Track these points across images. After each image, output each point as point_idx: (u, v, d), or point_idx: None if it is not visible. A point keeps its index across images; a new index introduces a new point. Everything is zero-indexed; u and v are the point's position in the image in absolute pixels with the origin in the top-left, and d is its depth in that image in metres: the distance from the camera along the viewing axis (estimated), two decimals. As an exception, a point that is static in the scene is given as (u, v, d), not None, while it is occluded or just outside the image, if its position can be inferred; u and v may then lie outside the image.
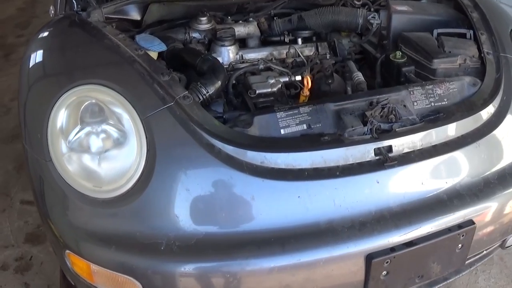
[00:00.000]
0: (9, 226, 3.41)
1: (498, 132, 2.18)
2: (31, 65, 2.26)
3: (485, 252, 2.37)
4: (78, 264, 2.01)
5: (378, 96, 2.13)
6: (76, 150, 1.95)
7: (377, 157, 1.99)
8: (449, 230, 2.00)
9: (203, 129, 1.94)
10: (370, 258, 1.90)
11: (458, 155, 2.09)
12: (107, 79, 2.03)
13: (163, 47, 2.29)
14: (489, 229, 2.14)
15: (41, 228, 3.32)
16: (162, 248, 1.86)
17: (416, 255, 1.98)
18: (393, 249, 1.93)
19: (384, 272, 1.96)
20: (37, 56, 2.28)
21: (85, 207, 1.95)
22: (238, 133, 2.00)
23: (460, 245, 2.06)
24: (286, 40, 2.78)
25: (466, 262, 2.26)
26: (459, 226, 2.01)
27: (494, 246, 2.36)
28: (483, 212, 2.07)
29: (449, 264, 2.13)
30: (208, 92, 2.15)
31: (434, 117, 2.12)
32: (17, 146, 4.11)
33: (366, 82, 2.43)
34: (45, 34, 2.39)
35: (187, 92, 2.03)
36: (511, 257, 3.11)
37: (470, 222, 2.03)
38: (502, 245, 2.37)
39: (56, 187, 1.97)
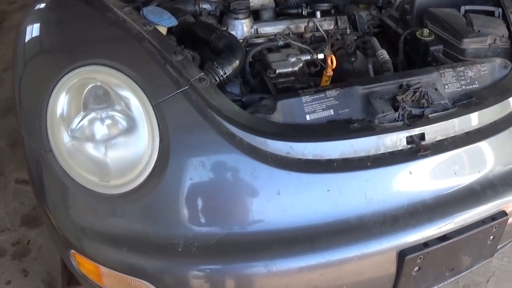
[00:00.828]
0: (4, 208, 3.24)
1: (531, 117, 2.06)
2: (27, 39, 2.04)
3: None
4: (85, 265, 1.87)
5: (408, 79, 1.98)
6: (80, 139, 1.77)
7: (409, 146, 1.86)
8: (483, 222, 1.90)
9: (223, 116, 1.77)
10: (403, 254, 1.79)
11: (491, 142, 1.97)
12: (113, 59, 1.82)
13: (173, 22, 2.07)
14: (522, 220, 2.05)
15: (38, 209, 3.10)
16: (179, 249, 1.72)
17: (449, 249, 1.87)
18: (426, 244, 1.82)
19: (416, 268, 1.85)
20: (33, 30, 2.05)
21: (91, 203, 1.79)
22: (260, 120, 1.83)
23: (492, 237, 1.97)
24: (304, 12, 2.59)
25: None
26: (493, 217, 1.92)
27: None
28: (517, 202, 1.98)
29: (479, 256, 2.05)
30: (225, 73, 1.96)
31: (467, 102, 1.98)
32: (10, 121, 3.87)
33: (387, 57, 2.28)
34: (42, 5, 2.15)
35: (202, 73, 1.84)
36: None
37: (503, 213, 1.93)
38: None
39: (57, 181, 1.80)
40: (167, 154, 1.73)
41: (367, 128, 1.85)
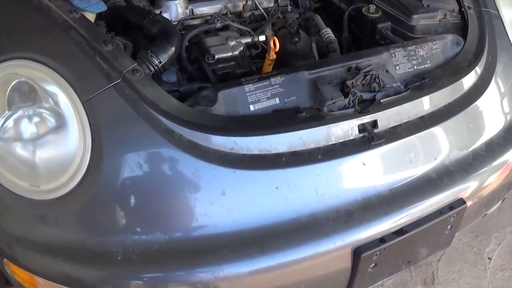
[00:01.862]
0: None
1: (485, 97, 1.98)
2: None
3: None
4: (19, 275, 1.74)
5: (357, 61, 1.85)
6: (6, 140, 1.62)
7: (362, 135, 1.74)
8: (440, 212, 1.82)
9: (159, 110, 1.61)
10: (358, 252, 1.70)
11: (446, 126, 1.88)
12: (37, 52, 1.66)
13: (102, 7, 1.86)
14: (478, 204, 1.99)
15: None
16: (118, 257, 1.58)
17: (406, 242, 1.78)
18: (382, 239, 1.73)
19: (373, 265, 1.76)
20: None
21: (22, 210, 1.66)
22: (201, 114, 1.68)
23: (449, 226, 1.90)
24: None
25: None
26: (450, 207, 1.83)
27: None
28: (473, 188, 1.89)
29: (436, 246, 1.99)
30: (160, 62, 1.79)
31: (420, 84, 1.87)
32: None
33: (330, 35, 2.15)
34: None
35: (136, 64, 1.67)
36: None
37: (461, 202, 1.86)
38: (484, 215, 2.21)
39: None
40: (100, 155, 1.59)
41: (316, 117, 1.72)
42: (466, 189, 1.86)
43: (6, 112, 1.62)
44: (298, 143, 1.68)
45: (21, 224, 1.66)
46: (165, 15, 2.19)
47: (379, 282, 2.01)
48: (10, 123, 1.62)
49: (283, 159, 1.66)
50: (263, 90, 1.75)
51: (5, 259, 1.73)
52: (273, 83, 1.76)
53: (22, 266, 1.69)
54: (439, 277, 2.65)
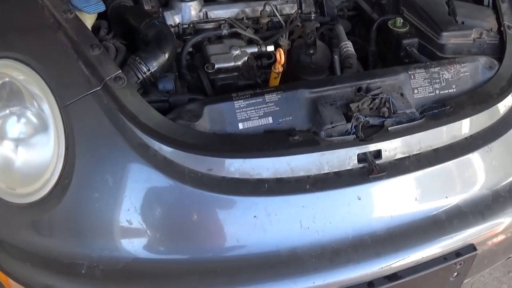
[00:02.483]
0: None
1: (514, 131, 1.76)
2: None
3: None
4: None
5: (368, 81, 1.67)
6: None
7: (361, 165, 1.57)
8: (444, 258, 1.62)
9: (136, 123, 1.51)
10: (341, 295, 1.53)
11: (464, 161, 1.68)
12: (23, 53, 1.63)
13: (101, 7, 1.79)
14: (493, 251, 1.78)
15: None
16: (83, 271, 1.52)
17: (400, 289, 1.60)
18: (371, 283, 1.56)
19: (359, 310, 1.59)
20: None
21: None
22: (181, 129, 1.55)
23: (455, 274, 1.70)
24: None
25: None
26: (457, 253, 1.63)
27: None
28: (488, 233, 1.69)
29: (440, 293, 1.77)
30: (149, 70, 1.68)
31: (438, 111, 1.66)
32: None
33: (360, 47, 1.97)
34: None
35: (120, 71, 1.58)
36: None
37: (471, 248, 1.66)
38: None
39: None
40: (72, 164, 1.52)
41: (310, 142, 1.56)
42: (478, 234, 1.66)
43: None
44: (285, 169, 1.54)
45: None
46: (177, 17, 2.09)
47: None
48: None
49: (266, 185, 1.52)
50: (256, 107, 1.60)
51: None
52: (267, 101, 1.61)
53: None
54: (464, 312, 2.44)
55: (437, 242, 1.61)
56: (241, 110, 1.60)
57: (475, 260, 1.68)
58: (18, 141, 1.59)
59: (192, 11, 2.11)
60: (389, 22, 2.00)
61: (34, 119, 1.59)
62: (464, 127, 1.70)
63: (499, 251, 1.80)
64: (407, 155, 1.62)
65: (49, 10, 1.71)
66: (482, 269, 1.89)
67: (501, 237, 1.73)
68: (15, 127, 1.60)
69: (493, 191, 1.72)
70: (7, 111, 1.61)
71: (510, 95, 1.77)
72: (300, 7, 2.22)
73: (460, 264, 1.65)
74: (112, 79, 1.56)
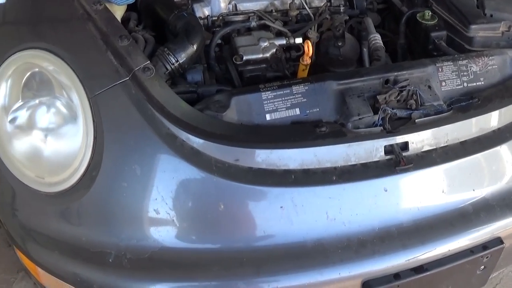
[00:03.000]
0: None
1: (544, 124, 1.73)
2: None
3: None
4: (25, 262, 1.75)
5: (396, 73, 1.66)
6: (19, 128, 1.64)
7: (388, 157, 1.57)
8: (471, 251, 1.61)
9: (164, 113, 1.52)
10: (368, 286, 1.54)
11: (492, 154, 1.67)
12: (53, 43, 1.65)
13: (130, -1, 1.83)
14: (521, 244, 1.75)
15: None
16: (110, 259, 1.54)
17: (426, 282, 1.60)
18: (397, 275, 1.56)
19: (384, 303, 1.59)
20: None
21: (28, 200, 1.68)
22: (209, 119, 1.56)
23: (482, 267, 1.69)
24: None
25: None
26: (484, 246, 1.62)
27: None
28: (516, 226, 1.68)
29: (466, 286, 1.77)
30: (178, 61, 1.69)
31: (466, 104, 1.65)
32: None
33: (390, 40, 1.96)
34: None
35: (148, 62, 1.59)
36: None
37: (498, 241, 1.65)
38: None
39: None
40: (100, 153, 1.54)
41: (337, 133, 1.55)
42: (506, 227, 1.64)
43: (20, 100, 1.63)
44: (312, 161, 1.54)
45: (27, 214, 1.66)
46: (206, 9, 2.10)
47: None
48: (23, 111, 1.62)
49: (293, 176, 1.53)
50: (283, 98, 1.61)
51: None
52: (294, 92, 1.62)
53: (25, 254, 1.69)
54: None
55: (464, 234, 1.60)
56: (268, 101, 1.61)
57: (502, 253, 1.66)
58: (47, 131, 1.61)
59: (221, 3, 2.13)
60: (417, 15, 1.98)
61: (63, 109, 1.60)
62: (492, 120, 1.69)
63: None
64: (434, 147, 1.62)
65: (78, 1, 1.73)
66: (510, 263, 1.87)
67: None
68: (44, 117, 1.62)
69: (521, 184, 1.70)
70: (37, 101, 1.62)
71: (538, 89, 1.75)
72: (329, 0, 2.22)
73: (487, 258, 1.63)
74: (140, 70, 1.57)
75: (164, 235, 1.53)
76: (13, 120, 1.63)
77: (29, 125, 1.62)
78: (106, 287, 1.56)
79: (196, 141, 1.51)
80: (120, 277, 1.54)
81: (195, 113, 1.57)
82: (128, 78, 1.56)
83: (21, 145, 1.63)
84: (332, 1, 2.23)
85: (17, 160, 1.64)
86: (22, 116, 1.63)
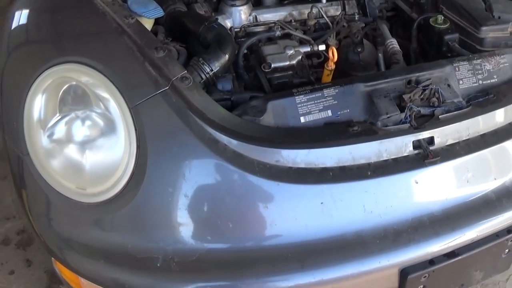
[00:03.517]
0: (10, 195, 3.08)
1: (555, 117, 1.86)
2: (13, 26, 1.92)
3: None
4: (66, 274, 1.80)
5: (418, 74, 1.77)
6: (57, 141, 1.66)
7: (416, 152, 1.67)
8: (496, 236, 1.73)
9: (205, 119, 1.59)
10: (405, 273, 1.64)
11: (509, 145, 1.78)
12: (89, 57, 1.68)
13: (159, 13, 1.90)
14: (542, 230, 1.86)
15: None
16: (158, 264, 1.59)
17: (457, 266, 1.71)
18: (432, 261, 1.66)
19: (421, 287, 1.68)
20: (21, 18, 1.92)
21: (69, 212, 1.68)
22: (248, 124, 1.65)
23: (507, 250, 1.80)
24: None
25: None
26: (509, 230, 1.74)
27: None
28: (536, 211, 1.79)
29: (493, 270, 1.88)
30: (212, 70, 1.77)
31: (483, 100, 1.78)
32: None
33: (400, 45, 2.07)
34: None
35: (186, 72, 1.67)
36: None
37: (521, 225, 1.75)
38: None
39: (36, 186, 1.71)
40: (144, 161, 1.59)
41: (369, 131, 1.66)
42: (527, 211, 1.76)
43: (58, 114, 1.66)
44: (347, 158, 1.64)
45: (67, 225, 1.69)
46: (228, 21, 2.19)
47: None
48: (61, 125, 1.66)
49: (330, 173, 1.62)
50: (315, 101, 1.70)
51: (53, 258, 1.77)
52: (326, 95, 1.71)
53: (67, 266, 1.71)
54: (506, 298, 2.53)
55: (489, 220, 1.71)
56: (302, 104, 1.69)
57: (525, 236, 1.78)
58: (85, 143, 1.64)
59: (242, 15, 2.23)
60: (430, 19, 2.09)
61: (100, 121, 1.64)
62: (508, 113, 1.80)
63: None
64: (457, 141, 1.73)
65: (110, 16, 1.79)
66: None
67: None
68: (82, 129, 1.65)
69: (538, 171, 1.82)
70: (73, 115, 1.65)
71: (548, 83, 1.87)
72: (344, 9, 2.35)
73: (511, 241, 1.75)
74: (178, 79, 1.64)
75: (211, 236, 1.60)
76: (50, 134, 1.66)
77: (67, 138, 1.65)
78: None
79: (237, 145, 1.59)
80: (169, 280, 1.59)
81: (234, 118, 1.65)
82: (167, 87, 1.62)
83: (59, 158, 1.66)
84: (347, 10, 2.35)
85: (56, 173, 1.66)
86: (60, 129, 1.65)
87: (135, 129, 1.60)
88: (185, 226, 1.60)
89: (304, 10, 2.33)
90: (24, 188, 1.76)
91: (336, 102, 1.71)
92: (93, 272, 1.66)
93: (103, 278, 1.65)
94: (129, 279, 1.61)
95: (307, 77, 1.97)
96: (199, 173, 1.59)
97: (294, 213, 1.61)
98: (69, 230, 1.69)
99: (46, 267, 2.70)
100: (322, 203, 1.60)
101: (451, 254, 1.67)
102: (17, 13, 1.94)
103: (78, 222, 1.68)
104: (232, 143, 1.59)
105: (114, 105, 1.62)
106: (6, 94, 1.82)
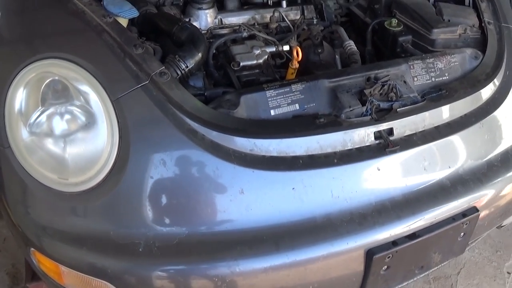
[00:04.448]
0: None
1: (501, 110, 2.03)
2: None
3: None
4: (45, 264, 1.82)
5: (376, 71, 1.92)
6: (38, 135, 1.72)
7: (377, 142, 1.81)
8: (453, 219, 1.86)
9: (184, 111, 1.70)
10: (371, 253, 1.74)
11: (461, 136, 1.93)
12: (71, 53, 1.76)
13: (134, 13, 1.99)
14: (492, 214, 2.02)
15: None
16: (140, 249, 1.66)
17: (418, 247, 1.83)
18: (395, 242, 1.78)
19: (385, 267, 1.80)
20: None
21: (50, 201, 1.74)
22: (223, 116, 1.76)
23: (462, 234, 1.94)
24: (270, 2, 2.53)
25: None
26: (463, 214, 1.88)
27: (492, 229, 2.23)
28: (487, 197, 1.94)
29: (449, 253, 2.02)
30: (187, 67, 1.88)
31: (436, 95, 1.93)
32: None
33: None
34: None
35: (163, 67, 1.77)
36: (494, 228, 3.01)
37: (474, 210, 1.90)
38: (498, 226, 2.25)
39: (16, 177, 1.75)
40: (127, 151, 1.67)
41: (334, 123, 1.79)
42: (479, 198, 1.90)
43: (39, 108, 1.71)
44: (315, 147, 1.75)
45: (48, 214, 1.74)
46: (195, 24, 2.30)
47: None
48: (42, 118, 1.71)
49: (300, 161, 1.74)
50: (284, 96, 1.83)
51: (32, 249, 1.80)
52: (293, 90, 1.84)
53: (47, 255, 1.75)
54: (457, 290, 2.69)
55: (446, 205, 1.84)
56: (272, 98, 1.82)
57: (478, 221, 1.92)
58: (66, 136, 1.70)
59: (208, 18, 2.35)
60: (385, 22, 2.26)
61: (81, 114, 1.71)
62: (459, 107, 1.95)
63: (495, 215, 2.04)
64: (414, 132, 1.87)
65: (89, 15, 1.86)
66: (483, 231, 2.11)
67: (498, 201, 1.98)
68: (62, 122, 1.71)
69: (487, 161, 1.97)
70: (55, 108, 1.71)
71: (494, 80, 2.03)
72: (303, 13, 2.50)
73: (466, 224, 1.88)
74: (157, 74, 1.74)
75: (190, 221, 1.68)
76: (32, 127, 1.70)
77: (49, 131, 1.71)
78: (138, 275, 1.66)
79: (214, 135, 1.69)
80: (151, 264, 1.65)
81: (210, 111, 1.76)
82: (147, 81, 1.71)
83: (41, 151, 1.71)
84: (306, 14, 2.50)
85: (38, 164, 1.72)
86: (41, 122, 1.71)
87: (118, 121, 1.68)
88: (165, 212, 1.68)
89: (266, 14, 2.48)
90: (4, 180, 1.80)
91: (303, 96, 1.84)
92: (75, 259, 1.70)
93: (86, 264, 1.69)
94: (112, 264, 1.67)
95: (273, 76, 2.11)
96: (179, 161, 1.68)
97: (268, 198, 1.71)
98: (50, 219, 1.74)
99: (7, 269, 2.72)
100: (293, 188, 1.71)
101: (412, 235, 1.79)
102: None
103: (60, 211, 1.73)
104: (210, 133, 1.69)
105: (96, 99, 1.70)
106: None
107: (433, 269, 2.14)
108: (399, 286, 2.06)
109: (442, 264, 2.14)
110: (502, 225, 2.26)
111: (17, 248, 2.74)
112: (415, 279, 2.07)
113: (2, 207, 1.87)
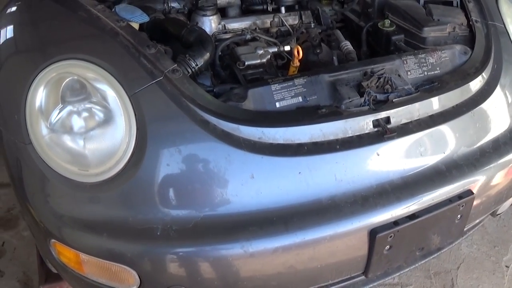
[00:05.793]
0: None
1: (490, 100, 2.15)
2: (1, 41, 2.08)
3: (478, 221, 2.35)
4: (65, 254, 1.88)
5: (372, 66, 2.06)
6: (58, 131, 1.80)
7: (376, 129, 1.93)
8: (449, 201, 1.98)
9: (196, 104, 1.83)
10: (374, 233, 1.86)
11: (454, 124, 2.05)
12: (89, 54, 1.87)
13: (145, 18, 2.16)
14: (486, 198, 2.13)
15: (12, 211, 3.18)
16: (158, 233, 1.75)
17: (418, 227, 1.94)
18: (396, 222, 1.89)
19: (388, 247, 1.92)
20: (7, 32, 2.09)
21: (71, 192, 1.82)
22: (232, 108, 1.89)
23: (459, 216, 2.04)
24: (269, 8, 2.69)
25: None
26: (459, 196, 1.99)
27: (487, 214, 2.35)
28: (481, 181, 2.05)
29: (448, 235, 2.12)
30: (197, 65, 2.04)
31: (429, 87, 2.07)
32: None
33: (352, 51, 2.36)
34: (14, 8, 2.18)
35: (176, 65, 1.90)
36: (492, 223, 3.16)
37: (469, 192, 2.01)
38: (493, 213, 2.37)
39: (36, 171, 1.83)
40: (144, 142, 1.78)
41: (335, 113, 1.92)
42: (474, 182, 2.02)
43: (59, 105, 1.80)
44: (318, 135, 1.88)
45: (69, 205, 1.83)
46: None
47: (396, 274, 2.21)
48: (62, 116, 1.80)
49: (305, 148, 1.86)
50: (288, 89, 1.96)
51: (52, 240, 1.87)
52: (296, 84, 1.98)
53: (68, 244, 1.83)
54: (458, 284, 2.79)
55: (442, 188, 1.95)
56: (276, 92, 1.95)
57: (473, 204, 2.04)
58: (84, 132, 1.79)
59: (212, 24, 2.51)
60: (379, 23, 2.40)
61: (99, 111, 1.81)
62: (451, 98, 2.07)
63: (490, 199, 2.16)
64: (410, 120, 1.99)
65: (104, 20, 1.99)
66: (479, 215, 2.22)
67: (491, 186, 2.10)
68: (82, 119, 1.80)
69: (479, 147, 2.09)
70: (74, 106, 1.81)
71: (483, 73, 2.17)
72: (301, 18, 2.66)
73: (462, 206, 1.99)
74: (170, 71, 1.86)
75: (204, 205, 1.78)
76: (53, 123, 1.78)
77: (69, 127, 1.79)
78: (156, 257, 1.76)
79: (225, 125, 1.81)
80: (169, 246, 1.74)
81: (220, 104, 1.89)
82: (161, 78, 1.84)
83: (62, 146, 1.80)
84: (303, 19, 2.66)
85: (59, 158, 1.80)
86: (62, 119, 1.79)
87: (135, 114, 1.79)
88: (181, 198, 1.78)
89: (266, 20, 2.65)
90: (24, 178, 1.88)
91: (305, 89, 1.98)
92: (96, 246, 1.79)
93: (106, 250, 1.78)
94: (131, 248, 1.76)
95: (275, 74, 2.24)
96: (193, 150, 1.79)
97: (276, 182, 1.82)
98: (71, 209, 1.82)
99: (19, 276, 2.81)
100: (300, 172, 1.83)
101: (412, 216, 1.91)
102: (2, 31, 2.11)
103: (80, 201, 1.82)
104: (221, 123, 1.81)
105: (113, 95, 1.80)
106: (3, 95, 1.95)
107: (433, 255, 2.26)
108: (402, 271, 2.19)
109: (443, 251, 2.27)
110: (498, 213, 2.38)
111: (27, 256, 2.89)
112: (416, 264, 2.19)
113: (23, 206, 1.95)
